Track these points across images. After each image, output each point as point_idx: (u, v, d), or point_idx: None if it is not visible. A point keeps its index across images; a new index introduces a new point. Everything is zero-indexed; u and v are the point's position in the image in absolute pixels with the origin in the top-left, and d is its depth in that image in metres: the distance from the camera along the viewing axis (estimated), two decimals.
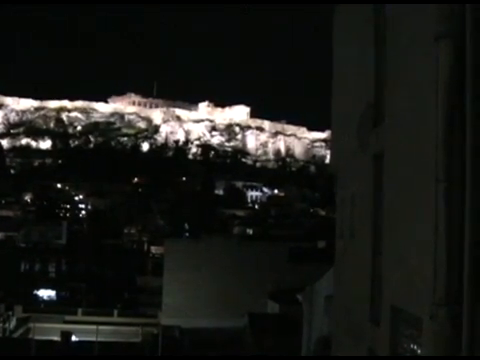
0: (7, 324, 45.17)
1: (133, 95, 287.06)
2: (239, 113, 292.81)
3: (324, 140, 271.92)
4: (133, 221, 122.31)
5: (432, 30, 6.16)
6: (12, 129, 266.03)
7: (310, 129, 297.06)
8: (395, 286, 7.82)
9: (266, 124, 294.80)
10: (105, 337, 41.32)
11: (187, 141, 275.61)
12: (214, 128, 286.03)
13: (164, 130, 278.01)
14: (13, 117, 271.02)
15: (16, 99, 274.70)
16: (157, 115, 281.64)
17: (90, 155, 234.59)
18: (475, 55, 5.74)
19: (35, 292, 74.78)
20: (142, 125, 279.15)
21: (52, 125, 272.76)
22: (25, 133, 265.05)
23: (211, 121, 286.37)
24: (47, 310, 53.56)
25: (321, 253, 44.44)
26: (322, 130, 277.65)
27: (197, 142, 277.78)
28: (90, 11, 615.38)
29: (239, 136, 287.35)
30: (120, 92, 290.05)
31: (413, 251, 7.00)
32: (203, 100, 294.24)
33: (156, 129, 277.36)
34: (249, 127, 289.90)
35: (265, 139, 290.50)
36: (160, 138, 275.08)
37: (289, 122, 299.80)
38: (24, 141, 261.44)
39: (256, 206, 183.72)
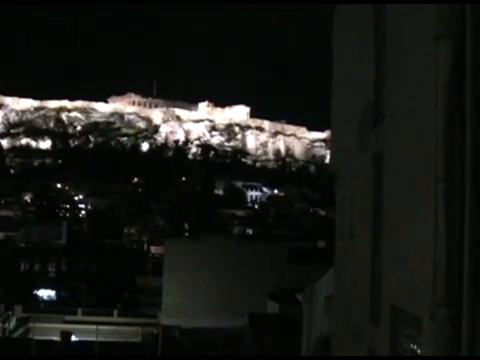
0: (7, 324, 45.17)
1: (133, 95, 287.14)
2: (239, 113, 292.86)
3: (324, 140, 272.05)
4: (133, 221, 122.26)
5: (432, 30, 6.16)
6: (12, 129, 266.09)
7: (310, 129, 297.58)
8: (395, 286, 7.82)
9: (266, 124, 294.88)
10: (105, 337, 41.32)
11: (187, 141, 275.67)
12: (214, 128, 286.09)
13: (164, 130, 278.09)
14: (13, 117, 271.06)
15: (16, 99, 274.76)
16: (157, 115, 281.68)
17: (90, 155, 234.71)
18: (475, 55, 5.73)
19: (35, 292, 74.75)
20: (142, 125, 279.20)
21: (52, 125, 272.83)
22: (25, 133, 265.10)
23: (211, 121, 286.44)
24: (47, 310, 53.57)
25: (321, 253, 44.44)
26: (322, 130, 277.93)
27: (197, 142, 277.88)
28: (90, 11, 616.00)
29: (239, 136, 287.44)
30: (120, 92, 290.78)
31: (413, 251, 7.00)
32: (203, 100, 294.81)
33: (156, 129, 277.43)
34: (249, 127, 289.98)
35: (265, 139, 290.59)
36: (160, 138, 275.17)
37: (289, 122, 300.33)
38: (24, 141, 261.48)
39: (256, 206, 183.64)
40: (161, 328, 41.81)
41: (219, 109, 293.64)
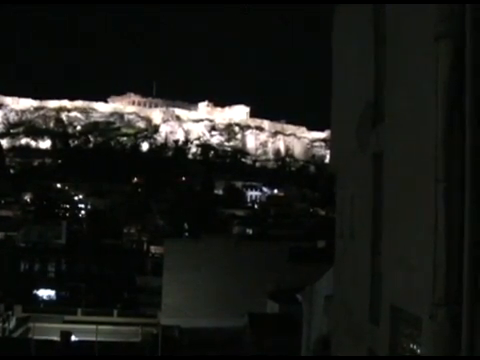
0: (7, 324, 45.16)
1: (133, 95, 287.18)
2: (239, 113, 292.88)
3: (324, 140, 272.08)
4: (133, 221, 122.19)
5: (432, 30, 6.16)
6: (12, 129, 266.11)
7: (310, 129, 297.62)
8: (395, 286, 7.82)
9: (266, 124, 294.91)
10: (105, 337, 41.32)
11: (187, 141, 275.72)
12: (214, 128, 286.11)
13: (164, 130, 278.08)
14: (13, 117, 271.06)
15: (16, 99, 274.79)
16: (157, 115, 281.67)
17: (90, 155, 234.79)
18: (475, 55, 5.74)
19: (35, 292, 74.74)
20: (142, 125, 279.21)
21: (52, 125, 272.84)
22: (25, 133, 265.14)
23: (211, 121, 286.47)
24: (47, 310, 53.53)
25: (321, 253, 44.46)
26: (322, 130, 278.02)
27: (197, 142, 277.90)
28: (90, 11, 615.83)
29: (239, 136, 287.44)
30: (120, 92, 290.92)
31: (413, 251, 7.00)
32: (203, 100, 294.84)
33: (156, 129, 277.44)
34: (249, 127, 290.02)
35: (265, 139, 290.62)
36: (160, 138, 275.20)
37: (289, 122, 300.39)
38: (24, 141, 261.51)
39: (256, 206, 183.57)
40: (161, 328, 41.81)
41: (219, 109, 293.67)
